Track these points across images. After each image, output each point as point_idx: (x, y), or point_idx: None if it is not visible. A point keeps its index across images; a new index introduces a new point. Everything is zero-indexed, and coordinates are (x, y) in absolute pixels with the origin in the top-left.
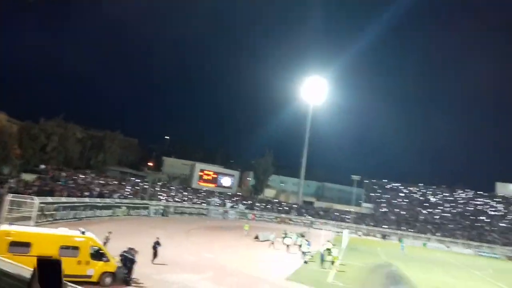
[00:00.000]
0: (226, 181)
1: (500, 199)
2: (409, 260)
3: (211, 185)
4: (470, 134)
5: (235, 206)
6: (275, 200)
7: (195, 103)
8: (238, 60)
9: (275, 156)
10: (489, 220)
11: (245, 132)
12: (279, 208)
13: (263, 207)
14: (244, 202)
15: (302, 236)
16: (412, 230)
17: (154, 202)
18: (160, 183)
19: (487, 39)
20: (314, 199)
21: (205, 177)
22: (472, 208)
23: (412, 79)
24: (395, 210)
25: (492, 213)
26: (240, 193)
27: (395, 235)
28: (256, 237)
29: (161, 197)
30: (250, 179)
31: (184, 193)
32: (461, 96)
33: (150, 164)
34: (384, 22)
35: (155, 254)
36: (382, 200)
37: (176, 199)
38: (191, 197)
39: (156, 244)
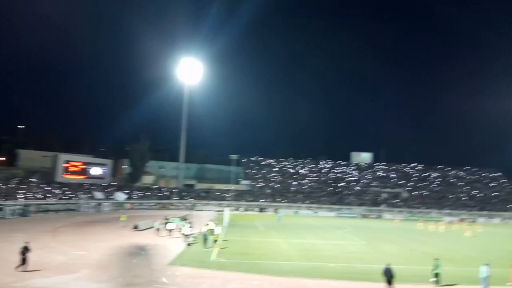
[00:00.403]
0: (97, 171)
1: (355, 167)
2: (283, 228)
3: (80, 177)
4: (329, 112)
5: (109, 197)
6: (154, 186)
7: (54, 88)
8: (105, 41)
9: (152, 141)
10: (347, 185)
11: (116, 117)
12: (159, 194)
13: (141, 194)
14: (120, 191)
15: (184, 219)
16: (285, 201)
17: (9, 202)
18: (16, 180)
19: (334, 35)
20: (195, 182)
21: (72, 168)
22: (333, 176)
23: (280, 65)
24: (270, 184)
25: (349, 179)
26: (115, 183)
27: (271, 207)
28: (136, 227)
29: (19, 195)
30: (126, 167)
31: (47, 188)
32: (320, 80)
33: (1, 158)
34: (253, 12)
35: (23, 261)
36: (258, 176)
37: (38, 196)
38: (56, 192)
39: (24, 249)
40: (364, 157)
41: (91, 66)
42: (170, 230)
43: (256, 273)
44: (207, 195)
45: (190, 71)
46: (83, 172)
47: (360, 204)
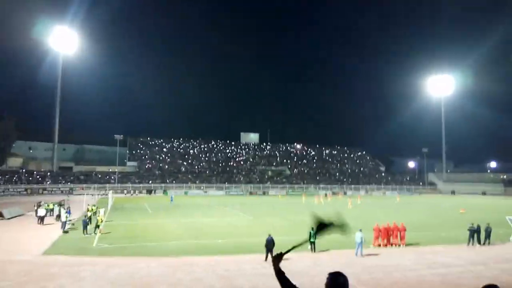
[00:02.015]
0: None
1: (244, 146)
2: (174, 209)
3: None
4: (218, 93)
5: None
6: (22, 169)
7: None
8: None
9: (19, 118)
10: (236, 165)
11: None
12: (30, 178)
13: (6, 179)
14: None
15: (61, 205)
16: (175, 182)
17: None
18: None
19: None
20: (72, 164)
21: None
22: (223, 156)
23: (169, 43)
24: (160, 165)
25: (238, 158)
26: None
27: (160, 188)
28: (0, 215)
29: None
30: None
31: None
32: (210, 60)
33: None
34: None
35: None
36: (146, 157)
37: None
38: None
39: None
40: (252, 137)
41: None
42: (42, 217)
43: (142, 256)
44: (88, 178)
45: (65, 41)
46: None
47: (248, 182)
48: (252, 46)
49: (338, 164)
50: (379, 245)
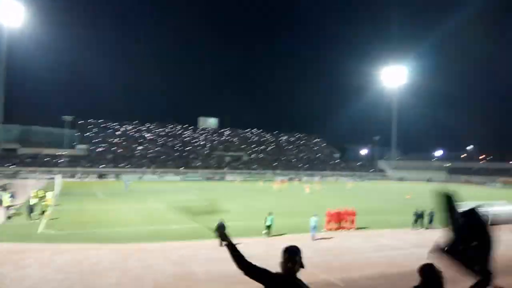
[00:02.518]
0: None
1: (202, 131)
2: (127, 195)
3: None
4: (176, 75)
5: None
6: None
7: None
8: None
9: None
10: (193, 150)
11: None
12: None
13: None
14: None
15: (4, 189)
16: (129, 166)
17: None
18: None
19: None
20: (17, 146)
21: None
22: (180, 141)
23: (124, 23)
24: (112, 148)
25: (196, 143)
26: None
27: (113, 173)
28: None
29: None
30: None
31: None
32: (166, 42)
33: None
34: None
35: None
36: (97, 140)
37: None
38: None
39: None
40: (211, 122)
41: None
42: None
43: (93, 243)
44: (34, 161)
45: (10, 13)
46: None
47: (206, 168)
48: (212, 30)
49: (295, 151)
50: (331, 229)
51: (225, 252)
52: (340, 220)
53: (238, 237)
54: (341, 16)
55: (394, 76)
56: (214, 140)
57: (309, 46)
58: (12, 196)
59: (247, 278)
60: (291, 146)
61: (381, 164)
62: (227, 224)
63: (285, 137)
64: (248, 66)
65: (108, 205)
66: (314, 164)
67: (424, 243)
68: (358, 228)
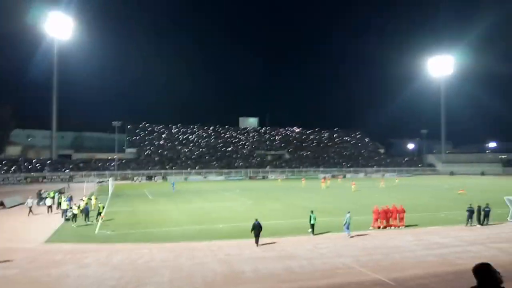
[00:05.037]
0: None
1: (243, 131)
2: (175, 195)
3: None
4: (217, 78)
5: None
6: (21, 158)
7: None
8: None
9: (16, 107)
10: (235, 149)
11: None
12: (29, 166)
13: (6, 168)
14: None
15: (61, 193)
16: (174, 168)
17: None
18: None
19: None
20: (71, 151)
21: None
22: (222, 141)
23: (167, 28)
24: (158, 151)
25: (237, 143)
26: None
27: (160, 175)
28: (1, 204)
29: None
30: None
31: None
32: (208, 45)
33: None
34: None
35: None
36: (145, 143)
37: None
38: None
39: None
40: (251, 121)
41: None
42: (49, 206)
43: (145, 242)
44: (87, 166)
45: (60, 27)
46: None
47: (247, 167)
48: (250, 30)
49: (337, 147)
50: (379, 227)
51: (270, 251)
52: (388, 217)
53: (284, 236)
54: (383, 7)
55: (441, 66)
56: (255, 140)
57: (351, 39)
58: (69, 199)
59: (295, 276)
60: (333, 143)
61: (430, 158)
62: (271, 222)
63: (326, 134)
64: (287, 63)
65: (157, 205)
66: (358, 160)
67: (479, 240)
68: (407, 226)
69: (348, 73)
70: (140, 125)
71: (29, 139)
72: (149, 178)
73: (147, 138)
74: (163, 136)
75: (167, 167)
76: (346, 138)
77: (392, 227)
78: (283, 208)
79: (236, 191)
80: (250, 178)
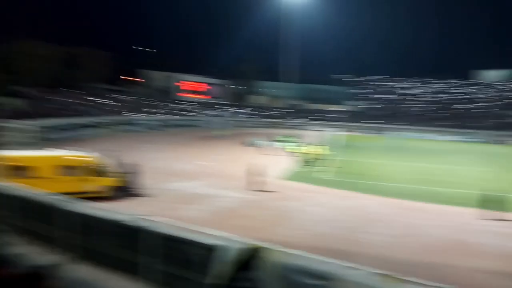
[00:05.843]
0: (215, 91)
1: (481, 85)
2: (402, 152)
3: (198, 96)
4: (445, 24)
5: (227, 114)
6: (261, 105)
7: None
8: None
9: (255, 61)
10: (467, 107)
11: (222, 37)
12: (270, 113)
13: (252, 112)
14: (235, 109)
15: (298, 139)
16: (403, 123)
17: (143, 116)
18: (144, 97)
19: None
20: (302, 102)
21: (188, 88)
22: (451, 97)
23: None
24: (379, 106)
25: (474, 99)
26: (226, 102)
27: (383, 130)
28: (249, 143)
29: (144, 111)
30: (234, 87)
31: (169, 105)
32: None
33: (130, 78)
34: None
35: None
36: (370, 96)
37: (160, 112)
38: (174, 109)
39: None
40: (495, 74)
41: None
42: (284, 149)
43: (370, 194)
44: (317, 116)
45: None
46: (202, 91)
47: (483, 128)
48: None
49: None
50: None
51: (504, 227)
52: None
53: None
54: None
55: None
56: (493, 96)
57: None
58: (306, 145)
59: None
60: None
61: None
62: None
63: None
64: None
65: (385, 160)
66: None
67: None
68: None
69: None
70: (362, 78)
71: (265, 90)
72: (377, 131)
73: (371, 92)
74: (388, 89)
75: (388, 122)
76: None
77: None
78: None
79: (470, 155)
80: (495, 142)
